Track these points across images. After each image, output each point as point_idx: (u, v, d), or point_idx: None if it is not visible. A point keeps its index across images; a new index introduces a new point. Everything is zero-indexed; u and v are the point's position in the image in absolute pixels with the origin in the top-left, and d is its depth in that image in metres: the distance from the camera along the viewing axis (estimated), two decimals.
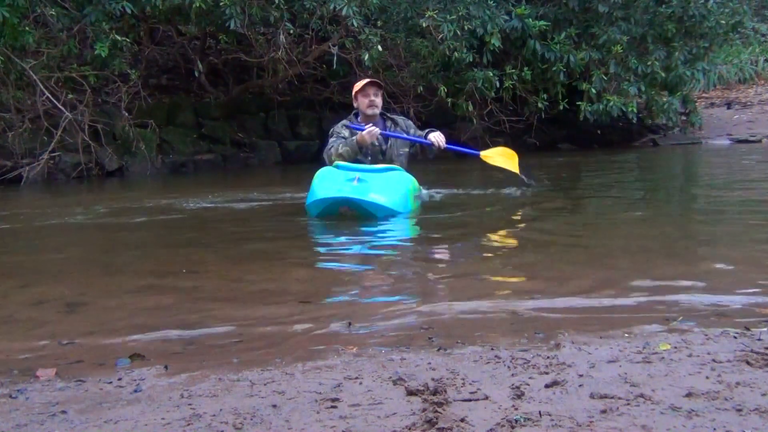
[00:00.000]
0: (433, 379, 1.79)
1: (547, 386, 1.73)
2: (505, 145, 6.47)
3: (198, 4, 7.48)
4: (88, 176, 8.11)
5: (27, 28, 7.25)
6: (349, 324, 2.35)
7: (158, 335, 2.31)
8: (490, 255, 3.73)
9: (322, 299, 2.79)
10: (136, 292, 2.97)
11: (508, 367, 1.88)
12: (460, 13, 8.52)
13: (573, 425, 1.51)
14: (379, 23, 8.83)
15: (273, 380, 1.84)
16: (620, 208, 5.22)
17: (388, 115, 5.23)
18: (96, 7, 7.50)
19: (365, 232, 4.25)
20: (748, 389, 1.68)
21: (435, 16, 8.43)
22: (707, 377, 1.77)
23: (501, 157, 5.51)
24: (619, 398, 1.65)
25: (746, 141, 11.47)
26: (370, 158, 4.94)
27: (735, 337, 2.07)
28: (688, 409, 1.57)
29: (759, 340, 2.04)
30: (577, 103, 9.78)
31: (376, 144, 4.94)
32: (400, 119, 5.24)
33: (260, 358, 2.05)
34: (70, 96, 7.79)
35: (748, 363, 1.85)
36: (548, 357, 1.95)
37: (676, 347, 2.00)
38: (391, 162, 4.92)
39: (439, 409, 1.60)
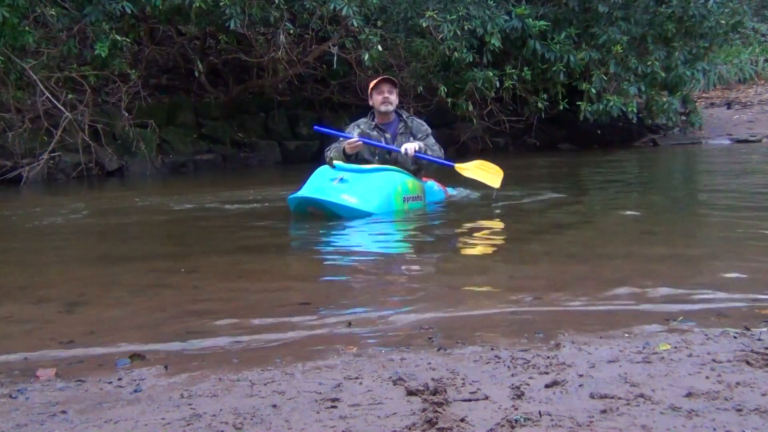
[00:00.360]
0: (433, 379, 1.79)
1: (547, 386, 1.73)
2: (506, 145, 6.38)
3: (198, 4, 7.48)
4: (88, 176, 8.11)
5: (27, 28, 7.25)
6: (349, 324, 2.35)
7: (158, 335, 2.31)
8: (489, 255, 3.73)
9: (323, 299, 2.78)
10: (136, 292, 2.96)
11: (508, 367, 1.88)
12: (460, 13, 8.53)
13: (573, 425, 1.51)
14: (379, 23, 8.84)
15: (273, 380, 1.84)
16: (620, 208, 5.22)
17: (404, 116, 5.10)
18: (96, 7, 7.51)
19: (365, 233, 4.26)
20: (748, 389, 1.68)
21: (435, 16, 8.44)
22: (707, 377, 1.77)
23: (479, 170, 5.19)
24: (619, 398, 1.65)
25: (746, 141, 11.49)
26: (377, 158, 4.93)
27: (735, 337, 2.07)
28: (688, 409, 1.57)
29: (759, 340, 2.04)
30: (577, 103, 9.78)
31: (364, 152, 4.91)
32: (413, 122, 5.08)
33: (260, 358, 2.05)
34: (70, 96, 7.79)
35: (748, 363, 1.85)
36: (548, 357, 1.95)
37: (676, 347, 2.00)
38: (396, 162, 4.88)
39: (439, 409, 1.60)
